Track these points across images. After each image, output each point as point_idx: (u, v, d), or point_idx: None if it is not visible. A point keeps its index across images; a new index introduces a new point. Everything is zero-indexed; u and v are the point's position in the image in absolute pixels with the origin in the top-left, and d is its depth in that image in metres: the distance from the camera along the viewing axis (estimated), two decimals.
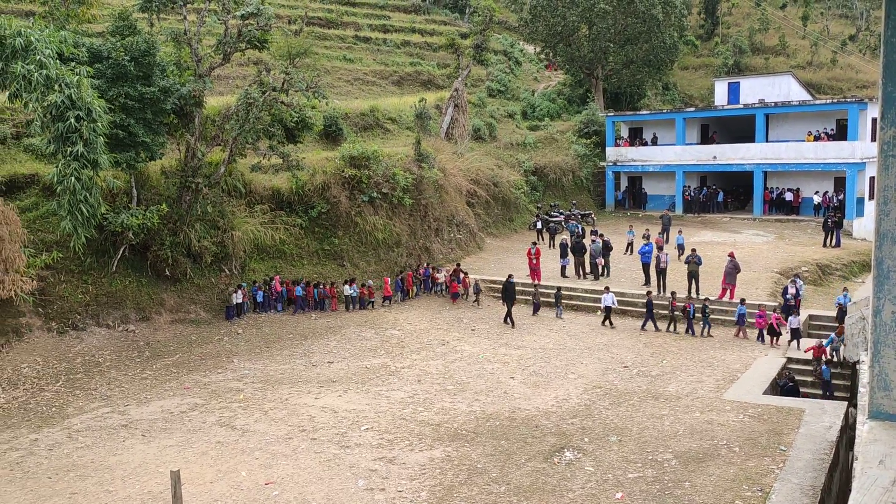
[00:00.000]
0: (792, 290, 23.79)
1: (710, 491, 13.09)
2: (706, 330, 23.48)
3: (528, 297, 27.56)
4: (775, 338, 22.29)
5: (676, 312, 23.82)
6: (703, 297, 24.36)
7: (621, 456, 14.71)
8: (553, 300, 26.72)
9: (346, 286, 27.60)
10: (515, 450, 15.19)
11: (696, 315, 23.60)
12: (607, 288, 25.45)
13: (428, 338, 24.15)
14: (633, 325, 24.75)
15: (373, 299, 28.01)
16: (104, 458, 15.35)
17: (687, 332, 23.54)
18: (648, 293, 24.88)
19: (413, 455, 15.11)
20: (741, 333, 23.14)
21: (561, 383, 19.37)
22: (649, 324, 24.26)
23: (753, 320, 23.24)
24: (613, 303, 24.85)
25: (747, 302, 23.90)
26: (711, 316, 23.68)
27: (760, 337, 22.59)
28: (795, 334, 21.87)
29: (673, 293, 24.65)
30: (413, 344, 23.49)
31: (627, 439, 15.52)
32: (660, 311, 25.22)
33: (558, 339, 23.58)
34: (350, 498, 13.34)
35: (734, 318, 23.75)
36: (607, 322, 24.78)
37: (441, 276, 29.36)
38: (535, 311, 26.61)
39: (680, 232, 32.52)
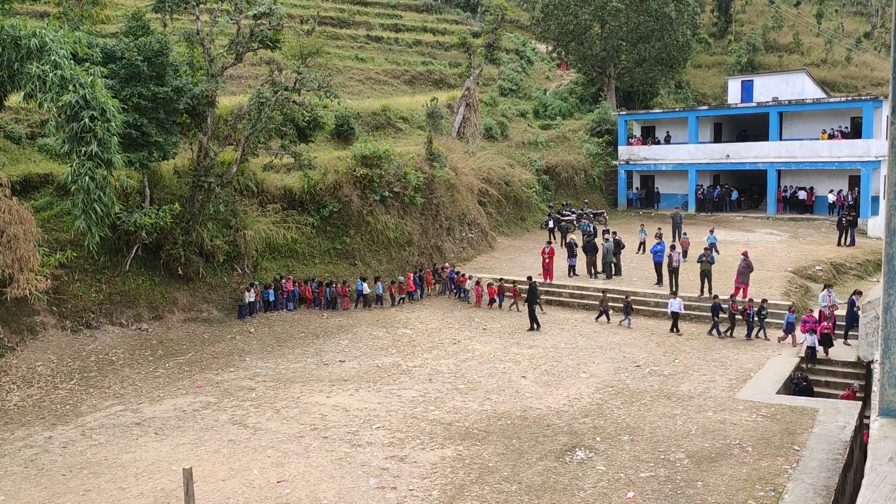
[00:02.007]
0: (860, 301, 22.06)
1: (722, 491, 13.03)
2: (762, 332, 22.66)
3: (589, 303, 26.55)
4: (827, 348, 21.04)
5: (737, 316, 22.92)
6: (761, 299, 23.20)
7: (633, 455, 14.66)
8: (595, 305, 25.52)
9: (364, 284, 27.83)
10: (527, 449, 15.17)
11: (754, 318, 22.70)
12: (674, 293, 24.27)
13: (439, 337, 24.16)
14: (644, 324, 24.63)
15: (402, 295, 28.35)
16: (117, 456, 15.46)
17: (747, 336, 22.70)
18: (715, 297, 23.64)
19: (424, 454, 15.13)
20: (791, 341, 21.94)
21: (573, 382, 19.32)
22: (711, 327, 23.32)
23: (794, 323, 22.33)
24: (681, 308, 23.57)
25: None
26: (726, 316, 23.39)
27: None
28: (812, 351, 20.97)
29: (732, 296, 23.67)
30: (424, 343, 23.50)
31: (639, 438, 15.46)
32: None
33: (570, 338, 23.53)
34: (361, 496, 13.36)
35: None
36: (674, 329, 23.47)
37: (469, 283, 28.46)
38: (604, 315, 25.10)
39: (712, 231, 32.13)
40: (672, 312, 23.69)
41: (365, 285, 27.72)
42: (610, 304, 25.55)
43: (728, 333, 23.02)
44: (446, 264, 30.69)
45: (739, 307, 23.09)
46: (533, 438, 15.69)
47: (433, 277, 29.72)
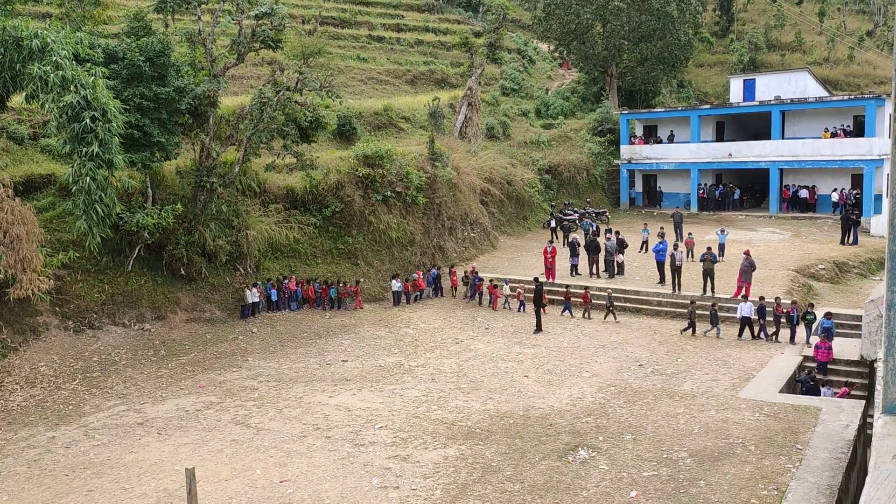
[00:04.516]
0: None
1: (725, 490, 13.00)
2: (808, 336, 21.82)
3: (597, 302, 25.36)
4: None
5: (782, 319, 22.24)
6: (808, 303, 22.62)
7: (636, 454, 14.64)
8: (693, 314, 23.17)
9: (394, 281, 28.24)
10: (529, 448, 15.16)
11: (798, 322, 22.02)
12: (745, 297, 23.18)
13: (442, 336, 24.15)
14: (646, 323, 24.60)
15: (417, 293, 28.68)
16: (120, 456, 15.47)
17: (791, 340, 22.00)
18: (761, 299, 22.62)
19: (427, 453, 15.12)
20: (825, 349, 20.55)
21: (575, 382, 19.31)
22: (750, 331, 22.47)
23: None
24: (751, 312, 22.37)
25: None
26: (729, 315, 23.24)
27: (822, 369, 20.27)
28: None
29: (777, 298, 22.85)
30: (427, 342, 23.50)
31: (642, 438, 15.45)
32: (671, 310, 25.15)
33: (572, 337, 23.50)
34: (364, 496, 13.36)
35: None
36: (745, 335, 22.51)
37: (505, 289, 27.44)
38: (691, 329, 23.16)
39: (722, 231, 31.97)
40: (742, 317, 22.55)
41: (394, 282, 28.24)
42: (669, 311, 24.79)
43: (774, 337, 22.33)
44: (473, 265, 30.25)
45: (784, 309, 22.35)
46: (536, 438, 15.67)
47: (461, 280, 29.23)
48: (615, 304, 25.18)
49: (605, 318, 25.00)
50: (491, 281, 28.15)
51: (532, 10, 61.49)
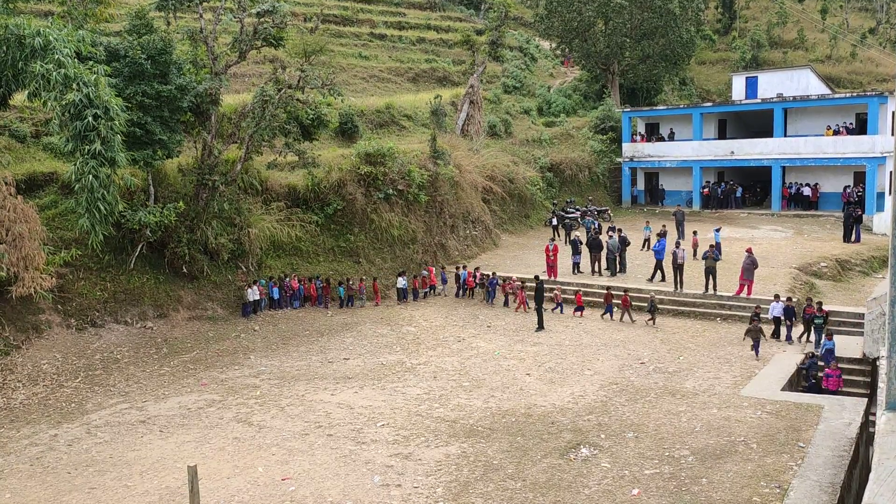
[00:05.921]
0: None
1: (727, 488, 13.00)
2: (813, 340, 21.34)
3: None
4: None
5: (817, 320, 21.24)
6: (816, 304, 21.75)
7: (638, 452, 14.64)
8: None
9: (399, 278, 28.28)
10: (531, 446, 15.16)
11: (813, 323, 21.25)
12: (777, 296, 22.28)
13: (444, 334, 24.14)
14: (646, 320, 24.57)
15: (426, 290, 28.78)
16: (123, 454, 15.48)
17: (805, 338, 21.60)
18: (789, 299, 21.98)
19: (429, 451, 15.12)
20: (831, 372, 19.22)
21: (577, 380, 19.30)
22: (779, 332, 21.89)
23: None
24: (781, 313, 21.75)
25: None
26: (731, 312, 23.11)
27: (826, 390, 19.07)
28: None
29: (809, 299, 22.34)
30: (429, 340, 23.49)
31: (644, 436, 15.44)
32: (673, 308, 25.12)
33: (574, 335, 23.49)
34: (366, 494, 13.36)
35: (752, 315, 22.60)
36: (776, 336, 21.90)
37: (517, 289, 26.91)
38: (756, 347, 20.67)
39: (718, 229, 31.84)
40: (774, 317, 22.01)
41: (401, 280, 28.30)
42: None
43: (805, 338, 21.77)
44: (507, 280, 28.54)
45: (813, 310, 21.52)
46: (537, 436, 15.67)
47: (476, 282, 28.58)
48: (657, 307, 24.44)
49: (646, 322, 24.18)
50: (523, 283, 27.36)
51: (534, 7, 61.46)
